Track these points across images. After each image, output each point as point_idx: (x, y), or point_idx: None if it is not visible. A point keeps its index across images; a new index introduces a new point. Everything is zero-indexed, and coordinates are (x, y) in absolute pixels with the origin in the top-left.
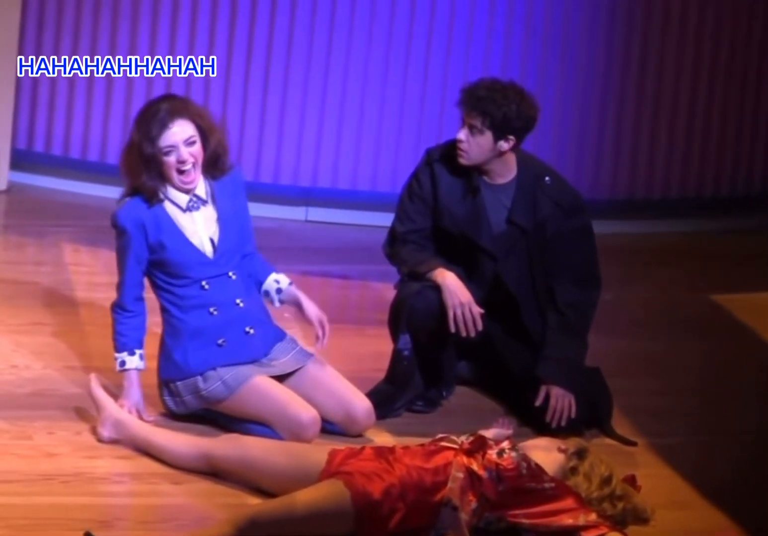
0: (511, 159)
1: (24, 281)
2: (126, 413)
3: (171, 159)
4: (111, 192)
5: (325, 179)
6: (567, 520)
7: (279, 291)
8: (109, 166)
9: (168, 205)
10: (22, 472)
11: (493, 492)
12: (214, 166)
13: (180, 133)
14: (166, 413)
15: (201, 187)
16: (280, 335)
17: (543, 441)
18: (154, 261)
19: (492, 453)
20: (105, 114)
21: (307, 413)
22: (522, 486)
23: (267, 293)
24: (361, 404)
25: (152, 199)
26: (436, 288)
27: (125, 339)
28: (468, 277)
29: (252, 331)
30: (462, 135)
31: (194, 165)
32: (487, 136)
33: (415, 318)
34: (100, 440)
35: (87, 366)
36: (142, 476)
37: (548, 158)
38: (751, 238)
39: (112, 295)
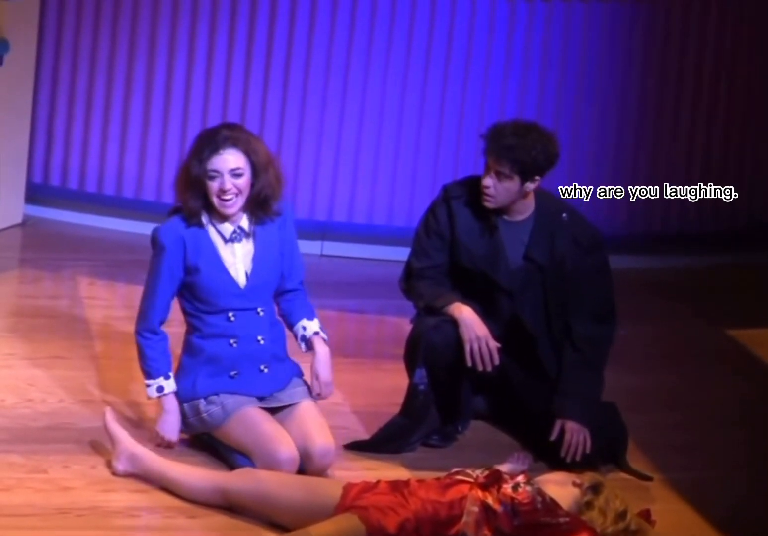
0: (531, 196)
1: (40, 315)
2: (141, 447)
3: (214, 184)
4: (127, 226)
5: (341, 213)
6: None
7: (303, 338)
8: (125, 200)
9: (212, 233)
10: (37, 506)
11: (509, 526)
12: (259, 206)
13: (229, 161)
14: (187, 441)
15: (245, 220)
16: (296, 371)
17: (558, 476)
18: (186, 284)
19: (507, 487)
20: (121, 147)
21: (286, 451)
22: (537, 520)
23: (295, 337)
24: (320, 442)
25: (192, 218)
26: (453, 323)
27: (158, 364)
28: (485, 314)
29: (266, 370)
30: (488, 181)
31: (237, 195)
32: (515, 181)
33: (433, 352)
34: (115, 474)
35: (102, 400)
36: (157, 510)
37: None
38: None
39: (128, 328)
